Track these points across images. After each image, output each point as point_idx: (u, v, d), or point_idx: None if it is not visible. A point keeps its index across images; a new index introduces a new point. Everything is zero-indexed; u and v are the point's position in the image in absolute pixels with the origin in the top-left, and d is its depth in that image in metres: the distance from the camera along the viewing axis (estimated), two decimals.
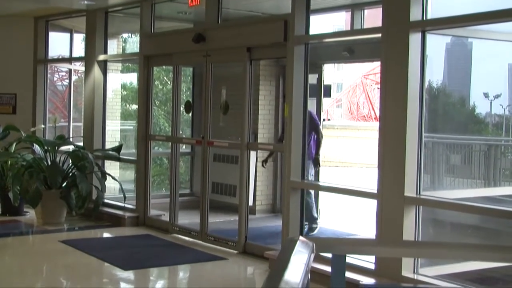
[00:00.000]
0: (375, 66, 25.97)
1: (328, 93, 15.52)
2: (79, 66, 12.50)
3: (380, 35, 6.53)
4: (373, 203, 6.62)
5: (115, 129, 12.08)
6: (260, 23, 8.48)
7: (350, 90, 29.98)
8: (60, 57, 12.48)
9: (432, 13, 6.38)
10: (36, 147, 9.86)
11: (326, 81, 10.53)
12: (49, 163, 9.71)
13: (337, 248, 2.93)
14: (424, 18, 6.29)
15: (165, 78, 10.82)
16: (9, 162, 10.05)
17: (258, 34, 7.99)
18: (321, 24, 10.42)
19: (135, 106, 13.53)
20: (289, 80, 7.43)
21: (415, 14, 6.24)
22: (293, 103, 7.38)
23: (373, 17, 9.85)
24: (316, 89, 9.77)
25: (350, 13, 9.43)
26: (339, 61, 13.56)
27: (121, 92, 13.02)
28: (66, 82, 15.07)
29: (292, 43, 7.41)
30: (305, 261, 2.62)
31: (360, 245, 3.13)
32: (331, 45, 9.17)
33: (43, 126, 11.59)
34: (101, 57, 10.51)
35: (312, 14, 7.59)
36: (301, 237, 2.92)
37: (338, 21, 21.30)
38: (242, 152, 8.20)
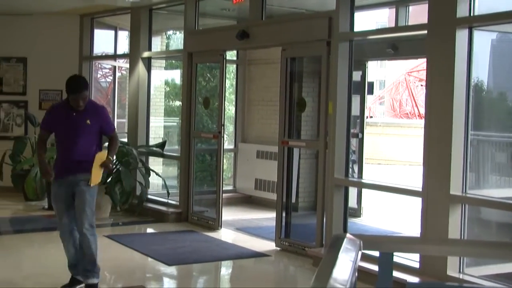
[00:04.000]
0: (419, 63, 25.70)
1: (370, 90, 15.39)
2: (123, 63, 12.63)
3: (426, 31, 6.45)
4: (416, 201, 6.56)
5: (159, 126, 12.17)
6: (304, 20, 8.45)
7: (393, 87, 29.73)
8: (104, 54, 12.62)
9: (479, 9, 6.28)
10: None
11: (369, 78, 10.46)
12: None
13: (385, 245, 2.90)
14: (472, 14, 6.20)
15: (208, 75, 10.86)
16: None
17: (301, 31, 7.97)
18: (364, 21, 10.33)
19: (178, 103, 13.63)
20: (333, 78, 7.40)
21: (462, 10, 6.15)
22: (337, 101, 7.35)
23: (417, 13, 9.76)
24: (360, 87, 9.71)
25: (394, 9, 9.35)
26: (383, 58, 13.46)
27: (165, 89, 13.10)
28: (109, 79, 15.24)
29: (336, 40, 7.37)
30: (353, 258, 2.60)
31: (408, 243, 3.09)
32: (375, 42, 9.10)
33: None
34: (146, 54, 10.60)
35: (356, 11, 7.54)
36: (348, 234, 2.91)
37: (381, 18, 21.15)
38: (280, 149, 8.21)
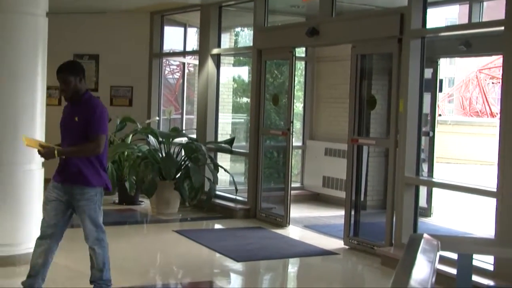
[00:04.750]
0: (491, 60, 25.11)
1: (440, 88, 15.06)
2: (191, 60, 12.75)
3: (502, 28, 6.29)
4: (486, 202, 6.40)
5: (226, 122, 12.25)
6: (375, 16, 8.36)
7: (463, 85, 29.13)
8: (171, 51, 12.75)
9: None
10: (151, 139, 10.13)
11: (439, 75, 10.29)
12: (164, 154, 9.96)
13: (464, 247, 2.84)
14: None
15: (275, 71, 10.87)
16: (126, 153, 10.37)
17: (372, 28, 7.89)
18: (433, 17, 10.15)
19: (245, 99, 13.69)
20: (404, 75, 7.30)
21: None
22: (408, 98, 7.25)
23: (491, 9, 9.53)
24: (430, 84, 9.56)
25: (467, 6, 9.15)
26: (455, 55, 13.20)
27: (233, 86, 13.18)
28: (176, 75, 15.43)
29: (408, 37, 7.27)
30: (432, 259, 2.55)
31: (487, 245, 3.02)
32: (447, 39, 8.93)
33: (157, 118, 11.90)
34: (215, 50, 10.67)
35: (428, 7, 7.42)
36: (425, 235, 2.86)
37: (451, 14, 20.76)
38: (349, 147, 8.15)
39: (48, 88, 7.18)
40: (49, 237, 5.55)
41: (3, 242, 6.62)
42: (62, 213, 5.52)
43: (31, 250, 6.79)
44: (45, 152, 5.29)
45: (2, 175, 6.64)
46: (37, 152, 5.40)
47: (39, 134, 6.87)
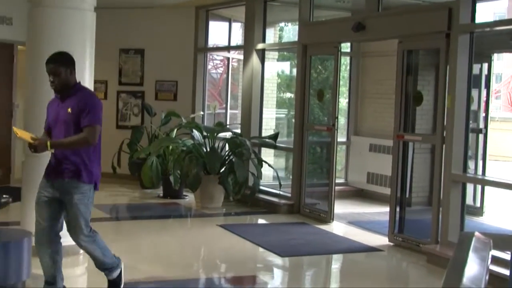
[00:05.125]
0: None
1: (489, 84, 14.80)
2: (235, 55, 12.77)
3: None
4: None
5: (270, 117, 12.25)
6: (422, 11, 8.25)
7: (511, 81, 28.59)
8: (215, 45, 12.78)
9: None
10: (196, 133, 10.17)
11: (486, 71, 10.11)
12: (208, 149, 10.00)
13: None
14: None
15: (319, 66, 10.81)
16: (171, 147, 10.45)
17: (419, 23, 7.79)
18: (481, 12, 9.97)
19: (289, 95, 13.66)
20: (452, 71, 7.19)
21: None
22: (456, 94, 7.15)
23: None
24: (484, 80, 9.44)
25: None
26: (505, 50, 12.96)
27: (277, 81, 13.16)
28: (220, 70, 15.46)
29: (456, 32, 7.16)
30: (485, 258, 2.51)
31: None
32: (499, 34, 8.76)
33: (202, 113, 11.95)
34: (260, 45, 10.67)
35: (477, 2, 7.29)
36: (476, 233, 2.81)
37: (499, 9, 20.39)
38: (394, 143, 8.07)
39: (94, 82, 7.24)
40: (48, 242, 5.31)
41: None
42: (57, 212, 5.30)
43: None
44: (38, 144, 5.03)
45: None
46: (28, 145, 5.09)
47: None
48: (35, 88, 6.79)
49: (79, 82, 5.33)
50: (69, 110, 5.13)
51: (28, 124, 6.83)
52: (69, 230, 5.33)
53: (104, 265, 5.46)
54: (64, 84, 5.18)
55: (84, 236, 5.25)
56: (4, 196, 6.61)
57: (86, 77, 6.91)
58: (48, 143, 5.03)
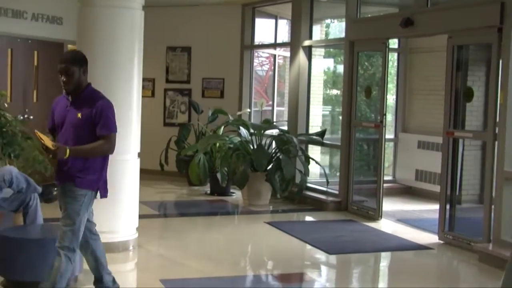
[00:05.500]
0: None
1: None
2: (281, 52, 12.74)
3: None
4: None
5: (317, 114, 12.19)
6: (473, 6, 8.08)
7: None
8: (260, 43, 12.76)
9: None
10: (243, 130, 10.18)
11: None
12: (255, 146, 10.00)
13: None
14: None
15: (366, 63, 10.72)
16: (218, 144, 10.48)
17: (470, 17, 7.65)
18: None
19: (335, 91, 13.59)
20: (505, 66, 7.05)
21: None
22: (509, 90, 7.01)
23: None
24: None
25: None
26: None
27: (323, 77, 13.10)
28: (265, 68, 15.47)
29: (509, 27, 7.01)
30: None
31: None
32: None
33: (248, 110, 11.96)
34: (306, 42, 10.63)
35: None
36: None
37: None
38: (444, 140, 7.95)
39: (142, 80, 7.30)
40: (85, 242, 5.19)
41: (103, 230, 6.77)
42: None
43: (130, 238, 7.01)
44: (58, 150, 4.73)
45: None
46: (46, 150, 4.78)
47: (136, 126, 7.02)
48: None
49: (90, 84, 5.03)
50: (79, 115, 4.85)
51: None
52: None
53: (47, 285, 4.86)
54: (77, 84, 4.90)
55: (64, 240, 4.85)
56: (55, 188, 6.71)
57: (134, 75, 6.98)
58: (68, 151, 4.75)
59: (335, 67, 13.90)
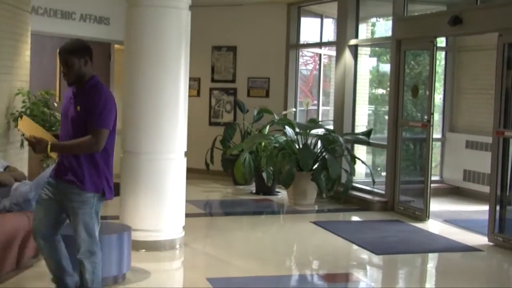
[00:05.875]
0: None
1: None
2: (326, 51, 12.68)
3: None
4: None
5: (362, 114, 12.11)
6: None
7: None
8: (305, 42, 12.71)
9: None
10: (288, 130, 10.16)
11: None
12: (301, 145, 9.98)
13: None
14: None
15: (412, 62, 10.60)
16: (263, 143, 10.48)
17: None
18: None
19: (380, 91, 13.48)
20: None
21: None
22: None
23: None
24: None
25: None
26: None
27: (369, 77, 13.01)
28: (310, 67, 15.40)
29: None
30: None
31: None
32: None
33: (294, 109, 11.93)
34: (352, 41, 10.56)
35: None
36: None
37: None
38: (494, 140, 7.82)
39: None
40: (45, 240, 4.78)
41: (148, 228, 6.87)
42: (54, 214, 4.73)
43: (176, 236, 7.05)
44: (36, 143, 4.44)
45: (147, 163, 6.88)
46: (27, 142, 4.50)
47: (182, 125, 7.06)
48: (132, 86, 6.95)
49: (95, 76, 4.67)
50: (78, 108, 4.54)
51: (125, 121, 7.00)
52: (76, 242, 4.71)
53: None
54: (77, 76, 4.56)
55: (85, 248, 4.62)
56: None
57: (181, 75, 7.02)
58: (48, 146, 4.44)
59: (380, 65, 13.80)
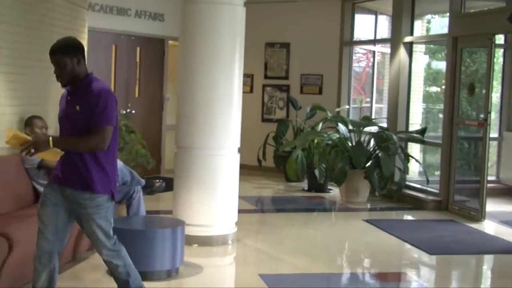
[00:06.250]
0: None
1: None
2: (379, 48, 12.57)
3: None
4: None
5: (417, 111, 11.96)
6: None
7: None
8: (358, 39, 12.60)
9: None
10: (341, 127, 10.10)
11: None
12: (354, 143, 9.91)
13: None
14: None
15: (468, 59, 10.44)
16: (316, 140, 10.45)
17: None
18: None
19: (435, 88, 13.29)
20: None
21: None
22: None
23: None
24: None
25: None
26: None
27: (424, 74, 12.84)
28: (362, 64, 15.27)
29: None
30: None
31: None
32: None
33: (347, 106, 11.86)
34: (407, 38, 10.43)
35: None
36: None
37: None
38: None
39: None
40: (49, 259, 4.45)
41: (201, 223, 6.92)
42: (62, 223, 4.43)
43: (229, 232, 7.08)
44: (39, 142, 4.17)
45: (200, 159, 6.93)
46: (25, 146, 4.15)
47: (236, 121, 7.08)
48: (187, 82, 7.00)
49: (91, 73, 4.40)
50: (77, 107, 4.28)
51: (179, 116, 7.06)
52: (94, 248, 4.61)
53: (129, 286, 4.60)
54: (71, 76, 4.31)
55: (108, 250, 4.45)
56: (157, 180, 6.89)
57: (235, 71, 7.04)
58: (50, 140, 4.16)
59: (435, 63, 13.61)
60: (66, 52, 4.26)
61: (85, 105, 4.24)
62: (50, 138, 4.17)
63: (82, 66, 4.33)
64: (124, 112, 10.07)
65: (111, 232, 4.44)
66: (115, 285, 4.65)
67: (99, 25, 10.04)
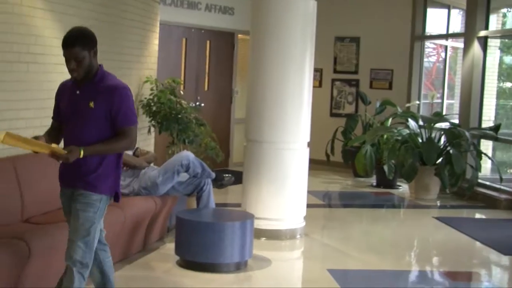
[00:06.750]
0: None
1: None
2: (450, 42, 12.33)
3: None
4: None
5: (490, 108, 11.69)
6: None
7: None
8: (428, 34, 12.38)
9: None
10: (411, 123, 9.96)
11: None
12: (425, 139, 9.76)
13: None
14: None
15: None
16: (385, 136, 10.33)
17: None
18: None
19: (509, 84, 12.96)
20: None
21: None
22: None
23: None
24: None
25: None
26: None
27: (498, 70, 12.53)
28: (432, 59, 15.02)
29: None
30: None
31: None
32: None
33: (418, 102, 11.69)
34: (482, 33, 10.20)
35: None
36: None
37: None
38: None
39: None
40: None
41: (270, 217, 6.93)
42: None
43: (297, 226, 7.09)
44: (71, 154, 3.88)
45: (270, 152, 6.94)
46: (51, 155, 3.89)
47: (306, 116, 7.06)
48: (257, 75, 7.02)
49: (101, 66, 4.14)
50: (91, 104, 4.00)
51: (249, 110, 7.09)
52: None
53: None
54: (88, 70, 4.03)
55: (77, 260, 4.02)
56: (225, 175, 6.94)
57: (306, 65, 7.02)
58: (81, 151, 3.92)
59: (509, 58, 13.27)
60: (85, 45, 3.97)
61: (101, 103, 4.00)
62: (81, 149, 3.91)
63: (96, 59, 4.07)
64: (194, 105, 10.17)
65: (93, 241, 4.07)
66: (186, 275, 4.71)
67: (170, 18, 10.15)
